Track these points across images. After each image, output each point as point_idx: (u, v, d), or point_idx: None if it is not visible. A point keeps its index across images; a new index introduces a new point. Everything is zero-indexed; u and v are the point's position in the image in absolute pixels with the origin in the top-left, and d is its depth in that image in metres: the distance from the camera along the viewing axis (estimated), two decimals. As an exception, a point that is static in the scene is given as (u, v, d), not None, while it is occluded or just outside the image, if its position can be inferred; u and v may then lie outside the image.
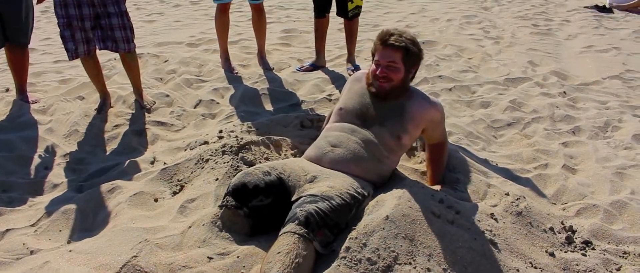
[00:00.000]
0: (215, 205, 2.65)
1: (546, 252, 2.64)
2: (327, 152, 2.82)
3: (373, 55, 2.96)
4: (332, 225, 2.35)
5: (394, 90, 2.90)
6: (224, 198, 2.55)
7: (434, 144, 3.15)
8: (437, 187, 3.01)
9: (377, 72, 2.86)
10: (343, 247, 2.26)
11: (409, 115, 2.91)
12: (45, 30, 7.31)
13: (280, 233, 2.28)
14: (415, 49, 2.89)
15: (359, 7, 5.01)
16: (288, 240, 2.20)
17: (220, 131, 3.52)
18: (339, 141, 2.85)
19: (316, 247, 2.26)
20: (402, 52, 2.84)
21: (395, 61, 2.84)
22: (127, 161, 3.54)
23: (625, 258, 2.68)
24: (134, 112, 4.32)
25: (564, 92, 4.93)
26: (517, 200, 2.89)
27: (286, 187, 2.59)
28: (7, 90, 4.75)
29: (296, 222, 2.27)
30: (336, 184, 2.57)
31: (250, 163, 3.01)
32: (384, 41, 2.84)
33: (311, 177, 2.64)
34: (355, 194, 2.57)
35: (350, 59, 5.29)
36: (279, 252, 2.15)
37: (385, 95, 2.90)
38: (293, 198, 2.51)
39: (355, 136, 2.86)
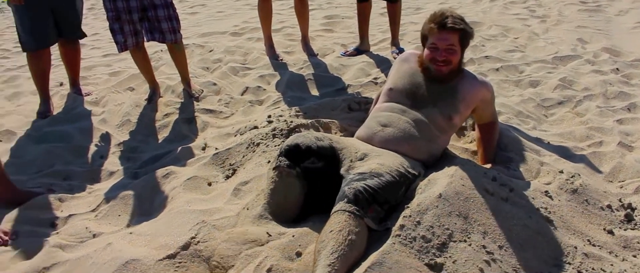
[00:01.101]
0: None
1: (604, 229, 2.59)
2: (377, 132, 2.82)
3: (425, 38, 2.92)
4: (382, 202, 2.36)
5: (451, 73, 2.89)
6: (276, 159, 2.58)
7: (484, 124, 3.12)
8: (489, 166, 2.98)
9: (437, 57, 2.83)
10: (397, 225, 2.25)
11: (460, 95, 2.90)
12: (92, 26, 7.51)
13: (331, 213, 2.30)
14: (470, 29, 2.88)
15: (402, -10, 4.98)
16: (339, 219, 2.21)
17: (269, 116, 3.56)
18: (389, 121, 2.85)
19: (368, 224, 2.27)
20: (459, 34, 2.82)
21: (454, 44, 2.82)
22: (179, 148, 3.62)
23: (688, 236, 2.59)
24: (182, 101, 4.40)
25: (617, 68, 4.78)
26: (571, 177, 2.84)
27: (337, 157, 2.60)
28: (61, 84, 4.91)
29: (345, 200, 2.29)
30: (386, 162, 2.56)
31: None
32: (442, 24, 2.80)
33: (361, 155, 2.64)
34: (405, 173, 2.57)
35: (395, 42, 5.26)
36: (331, 231, 2.17)
37: (443, 79, 2.89)
38: (342, 172, 2.52)
39: (405, 116, 2.85)
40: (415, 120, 2.83)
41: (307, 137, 2.61)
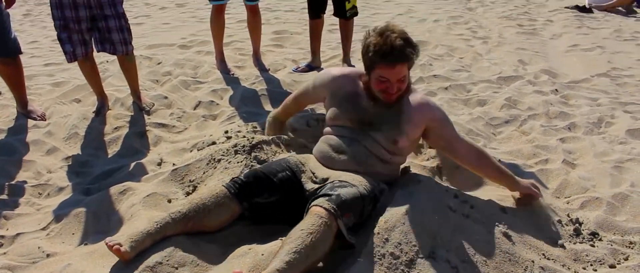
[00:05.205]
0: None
1: (556, 243, 2.71)
2: (334, 158, 2.77)
3: (369, 68, 2.74)
4: (356, 211, 2.40)
5: (401, 98, 2.80)
6: (232, 179, 2.63)
7: (468, 159, 2.89)
8: (526, 182, 2.91)
9: (390, 89, 2.69)
10: (367, 243, 2.29)
11: (405, 116, 2.79)
12: (30, 34, 7.19)
13: (310, 205, 2.33)
14: (416, 49, 2.68)
15: (355, 7, 5.08)
16: (314, 221, 2.22)
17: (227, 131, 3.51)
18: (341, 147, 2.78)
19: (340, 226, 2.26)
20: (408, 63, 2.69)
21: (405, 74, 2.70)
22: (133, 163, 3.52)
23: (632, 248, 2.76)
24: (133, 114, 4.29)
25: (556, 89, 5.04)
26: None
27: (298, 185, 2.67)
28: (0, 93, 4.67)
29: (326, 197, 2.33)
30: (350, 180, 2.58)
31: (263, 162, 3.03)
32: (392, 60, 2.61)
33: (321, 180, 2.66)
34: (372, 189, 2.60)
35: (346, 59, 5.33)
36: (302, 230, 2.19)
37: (392, 105, 2.79)
38: (308, 187, 2.64)
39: (355, 141, 2.78)
40: (366, 144, 2.77)
41: (268, 171, 2.68)
